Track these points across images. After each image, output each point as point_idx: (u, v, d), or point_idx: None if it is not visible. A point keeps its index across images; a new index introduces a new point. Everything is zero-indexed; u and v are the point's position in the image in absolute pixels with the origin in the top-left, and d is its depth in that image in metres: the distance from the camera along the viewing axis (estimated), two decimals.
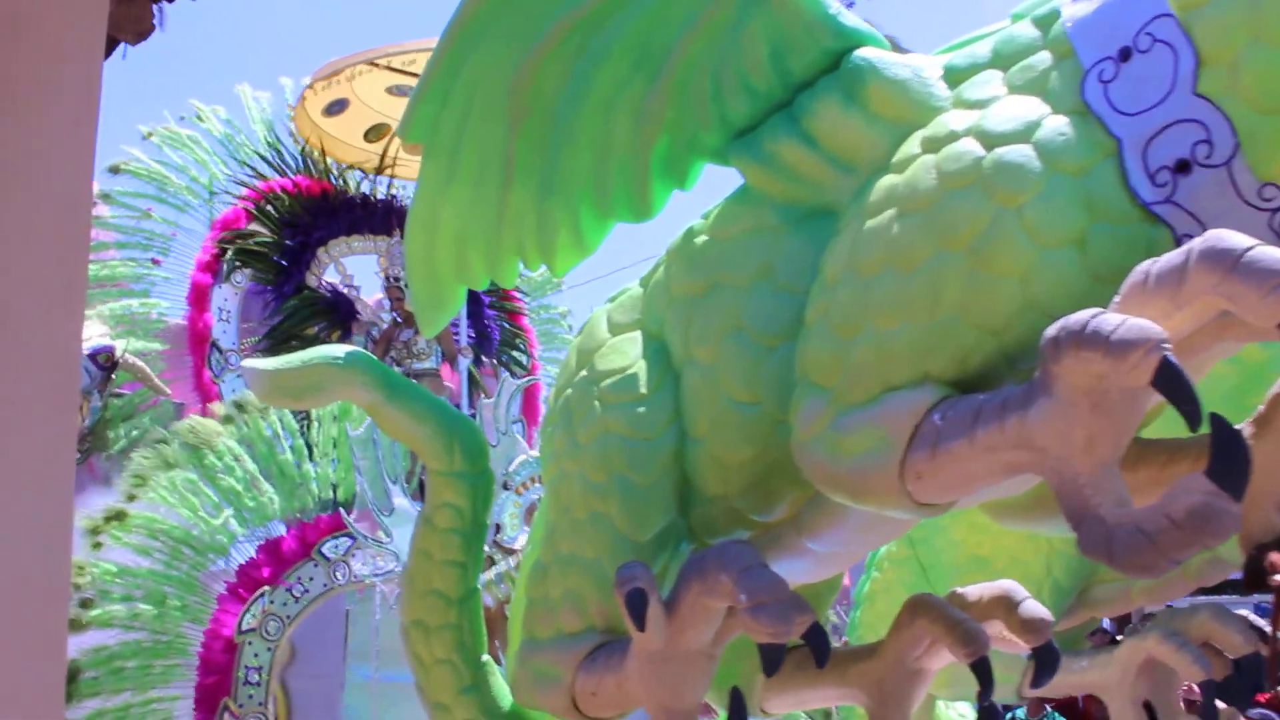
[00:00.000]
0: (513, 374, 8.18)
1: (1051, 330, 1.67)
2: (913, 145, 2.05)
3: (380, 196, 9.50)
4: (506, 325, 9.62)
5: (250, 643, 5.13)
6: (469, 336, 8.57)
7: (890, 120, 2.14)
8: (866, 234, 2.03)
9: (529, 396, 8.26)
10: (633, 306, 2.59)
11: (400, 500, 3.97)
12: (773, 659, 1.98)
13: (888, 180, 2.05)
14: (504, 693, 2.80)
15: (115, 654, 4.98)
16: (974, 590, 2.39)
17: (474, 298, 8.73)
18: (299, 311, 8.52)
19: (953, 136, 1.99)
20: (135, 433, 7.76)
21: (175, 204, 8.57)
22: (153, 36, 2.97)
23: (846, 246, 2.07)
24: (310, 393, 2.70)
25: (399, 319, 8.57)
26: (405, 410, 2.72)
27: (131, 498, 5.16)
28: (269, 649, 5.15)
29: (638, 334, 2.53)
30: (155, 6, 2.93)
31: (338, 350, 2.69)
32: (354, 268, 9.26)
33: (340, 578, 5.32)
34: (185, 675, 5.08)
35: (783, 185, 2.29)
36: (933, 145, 2.01)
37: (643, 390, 2.41)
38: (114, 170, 8.46)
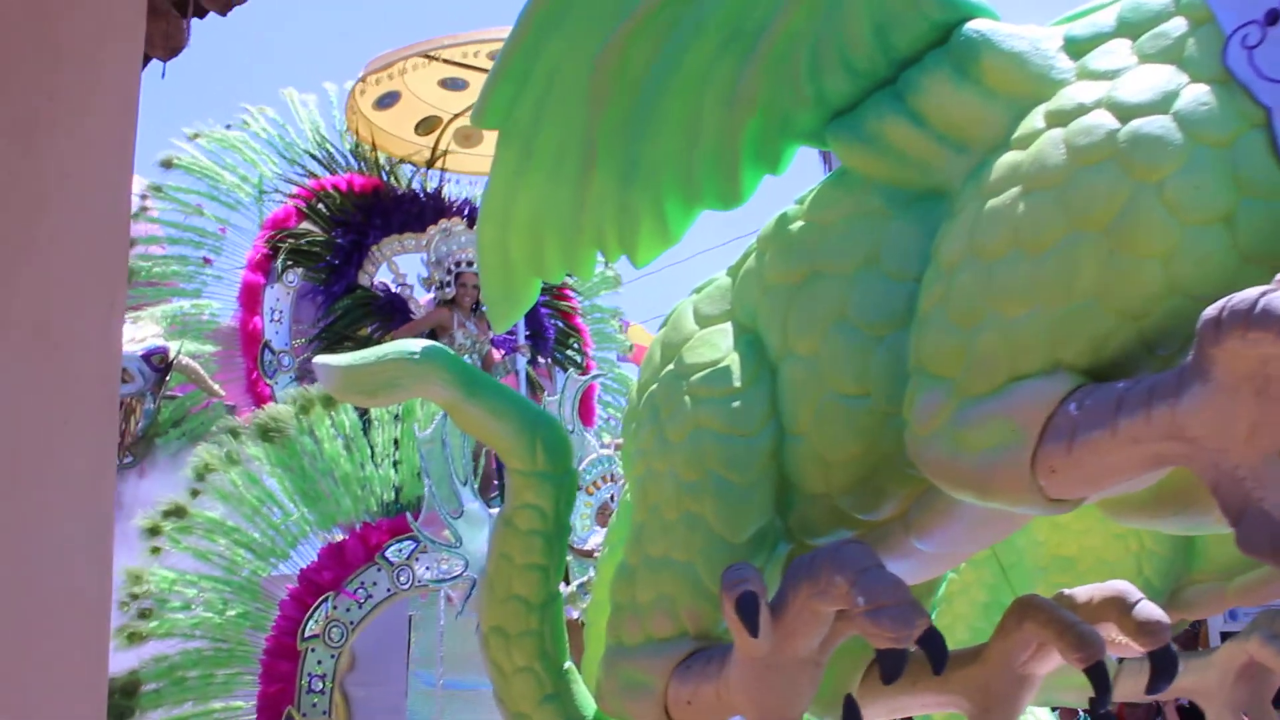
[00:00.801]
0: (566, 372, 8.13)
1: (1212, 311, 1.58)
2: (1036, 120, 1.96)
3: (431, 190, 9.46)
4: (561, 324, 9.57)
5: (313, 649, 5.08)
6: (524, 335, 8.53)
7: (1007, 95, 2.05)
8: (988, 215, 1.94)
9: (583, 397, 8.20)
10: (721, 297, 2.53)
11: (471, 503, 3.91)
12: (894, 665, 1.91)
13: (1010, 157, 1.96)
14: (587, 701, 2.73)
15: (176, 664, 4.96)
16: (1083, 591, 2.32)
17: None
18: (352, 311, 8.51)
19: (1081, 109, 1.89)
20: (186, 440, 7.77)
21: (227, 202, 8.57)
22: (189, 49, 2.97)
23: (965, 229, 1.99)
24: (385, 389, 2.65)
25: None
26: (485, 407, 2.66)
27: (195, 493, 5.13)
28: (332, 656, 5.11)
29: (728, 326, 2.46)
30: (186, 22, 2.92)
31: (414, 345, 2.63)
32: (405, 266, 9.24)
33: (404, 582, 5.27)
34: (248, 684, 5.05)
35: (887, 167, 2.22)
36: (1059, 119, 1.92)
37: (737, 384, 2.34)
38: (166, 164, 8.49)
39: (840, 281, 2.21)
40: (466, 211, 9.36)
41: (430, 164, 9.38)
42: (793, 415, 2.27)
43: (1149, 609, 2.22)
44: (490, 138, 9.51)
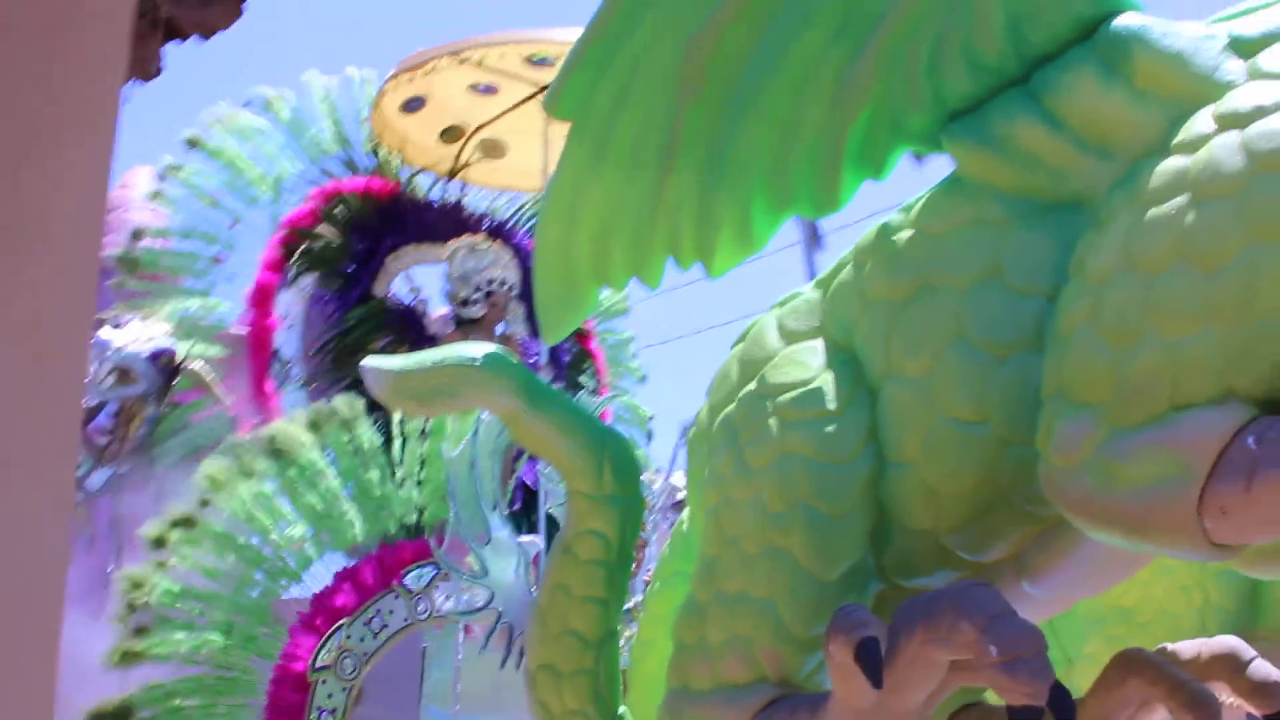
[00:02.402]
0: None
1: None
2: (1203, 123, 1.84)
3: (451, 202, 9.39)
4: (576, 349, 9.48)
5: (324, 681, 4.92)
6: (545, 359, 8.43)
7: (1164, 97, 1.93)
8: (1149, 225, 1.81)
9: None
10: (810, 312, 2.41)
11: (499, 530, 3.77)
12: None
13: (1174, 163, 1.83)
14: None
15: (173, 690, 4.80)
16: (1189, 646, 2.20)
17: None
18: (365, 323, 8.42)
19: (1261, 112, 1.77)
20: (187, 450, 7.66)
21: (244, 197, 8.47)
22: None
23: (1118, 240, 1.86)
24: (441, 397, 2.52)
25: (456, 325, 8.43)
26: (551, 421, 2.53)
27: (205, 503, 4.99)
28: (344, 689, 4.95)
29: (818, 343, 2.34)
30: (161, 50, 2.90)
31: (474, 350, 2.50)
32: (421, 279, 9.16)
33: (422, 612, 5.12)
34: (251, 716, 4.89)
35: (1013, 173, 2.10)
36: (1235, 122, 1.79)
37: (831, 406, 2.21)
38: (192, 143, 8.39)
39: (956, 296, 2.09)
40: (487, 226, 9.28)
41: (453, 174, 9.29)
42: (897, 442, 2.15)
43: (1265, 668, 2.11)
44: (516, 151, 9.53)
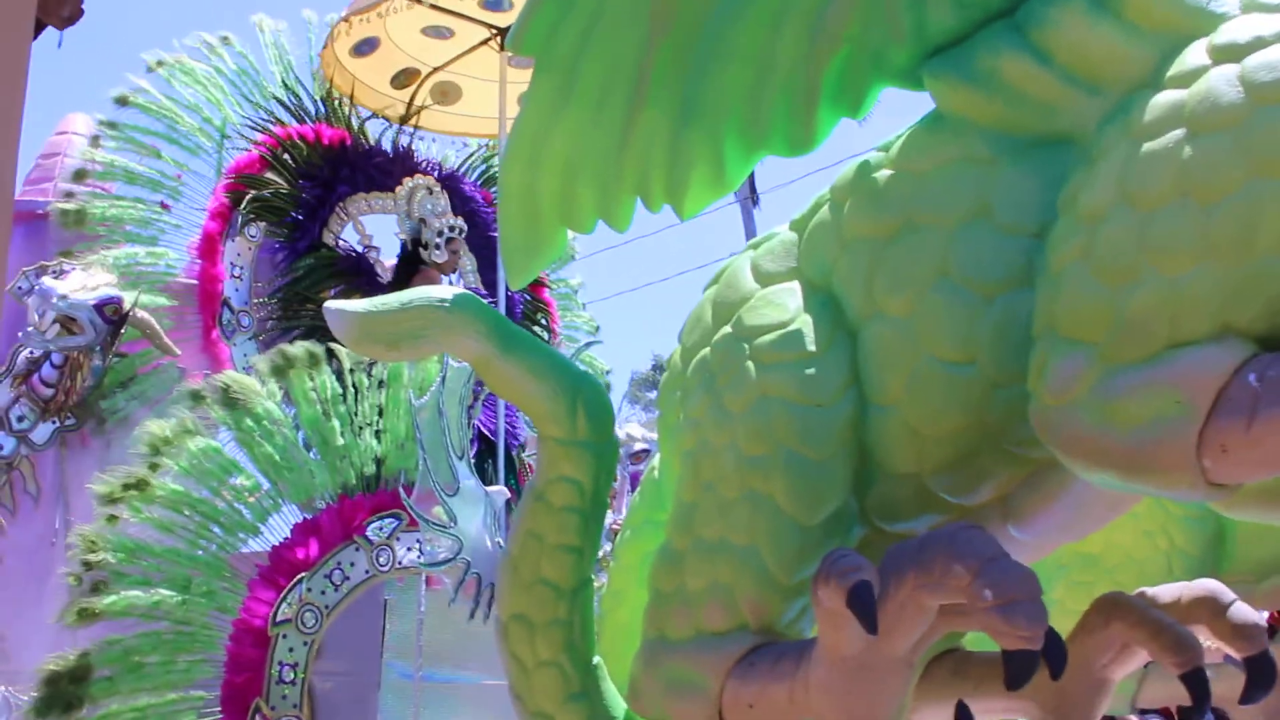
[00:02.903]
0: None
1: None
2: (1197, 56, 1.82)
3: (403, 148, 9.26)
4: (529, 297, 9.41)
5: (285, 635, 4.83)
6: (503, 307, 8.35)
7: (1155, 30, 1.92)
8: (1145, 159, 1.80)
9: None
10: (785, 253, 2.40)
11: (466, 479, 3.72)
12: (1024, 668, 1.78)
13: (1169, 97, 1.82)
14: (616, 701, 2.59)
15: (133, 648, 4.71)
16: (1169, 590, 2.24)
17: (492, 266, 8.55)
18: (315, 271, 8.28)
19: (1260, 43, 1.75)
20: (134, 403, 7.54)
21: (186, 145, 8.30)
22: None
23: (1112, 175, 1.84)
24: (409, 341, 2.46)
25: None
26: (522, 365, 2.48)
27: (155, 466, 4.90)
28: (305, 643, 4.87)
29: (795, 284, 2.34)
30: None
31: (444, 292, 2.45)
32: (372, 227, 9.04)
33: (384, 564, 5.06)
34: (211, 672, 4.81)
35: (998, 110, 2.09)
36: (1230, 54, 1.78)
37: (810, 348, 2.21)
38: (121, 101, 8.20)
39: (941, 235, 2.08)
40: (437, 174, 9.18)
41: (405, 120, 9.16)
42: (879, 383, 2.15)
43: (1245, 611, 2.14)
44: (471, 96, 9.38)
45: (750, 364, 2.25)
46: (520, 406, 2.63)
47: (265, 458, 4.98)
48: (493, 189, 9.56)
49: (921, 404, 2.08)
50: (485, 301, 2.54)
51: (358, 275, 8.61)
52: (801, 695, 2.03)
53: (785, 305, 2.28)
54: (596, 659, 2.61)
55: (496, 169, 9.66)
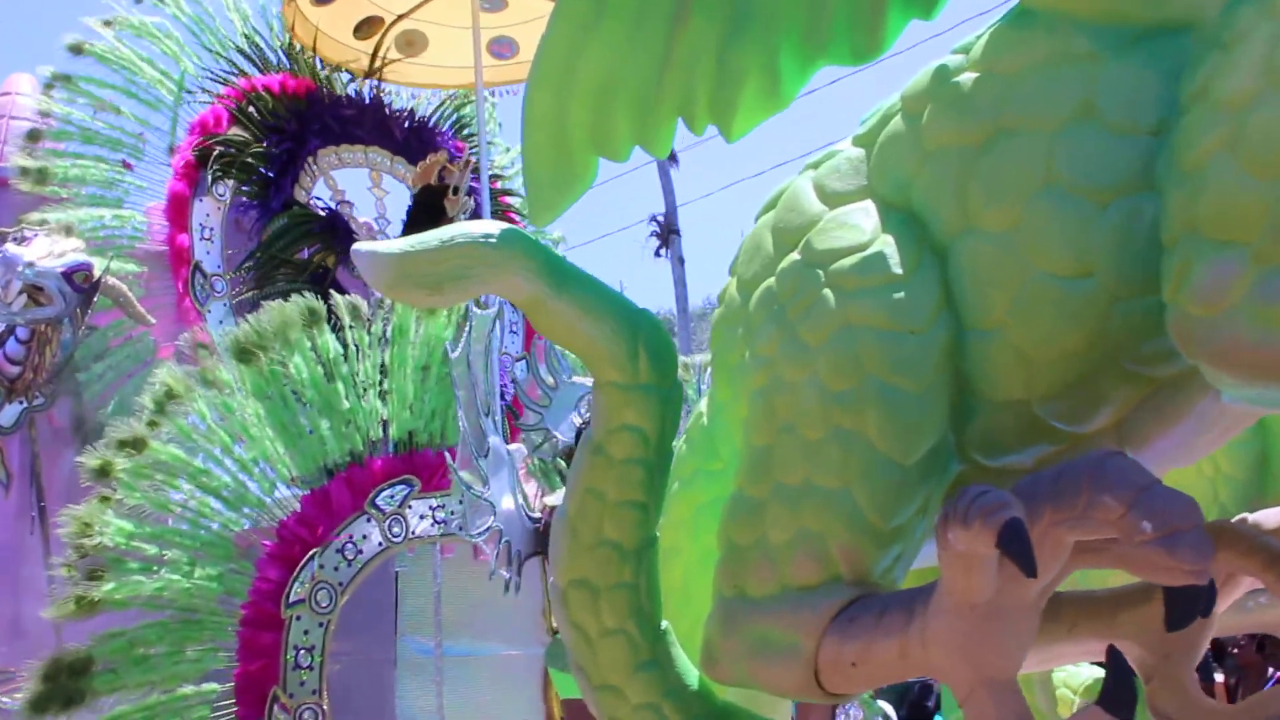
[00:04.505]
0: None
1: None
2: None
3: (372, 100, 9.13)
4: None
5: (299, 617, 4.68)
6: None
7: None
8: None
9: (531, 333, 7.97)
10: (853, 171, 2.27)
11: (493, 437, 3.61)
12: (1189, 606, 1.67)
13: None
14: (688, 668, 2.46)
15: (137, 639, 4.58)
16: (1272, 515, 2.14)
17: (474, 218, 8.44)
18: (289, 231, 8.16)
19: None
20: (111, 371, 7.38)
21: (146, 99, 8.11)
22: None
23: (1258, 58, 1.71)
24: (451, 282, 2.29)
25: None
26: (577, 305, 2.32)
27: (153, 424, 4.74)
28: (320, 624, 4.73)
29: (867, 203, 2.20)
30: None
31: (488, 227, 2.28)
32: (344, 181, 8.93)
33: (396, 535, 4.94)
34: (223, 661, 4.68)
35: (1097, 1, 1.96)
36: None
37: (896, 270, 2.07)
38: (75, 50, 7.99)
39: (1042, 139, 1.95)
40: (409, 124, 9.05)
41: (370, 73, 9.01)
42: (979, 304, 2.01)
43: None
44: (438, 45, 9.25)
45: (828, 292, 2.12)
46: (574, 350, 2.48)
47: (274, 422, 4.84)
48: (468, 140, 9.44)
49: (1031, 324, 1.96)
50: (533, 237, 2.39)
51: (334, 233, 8.50)
52: (916, 649, 1.91)
53: (860, 226, 2.15)
54: (665, 623, 2.49)
55: (470, 120, 9.53)
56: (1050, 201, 1.93)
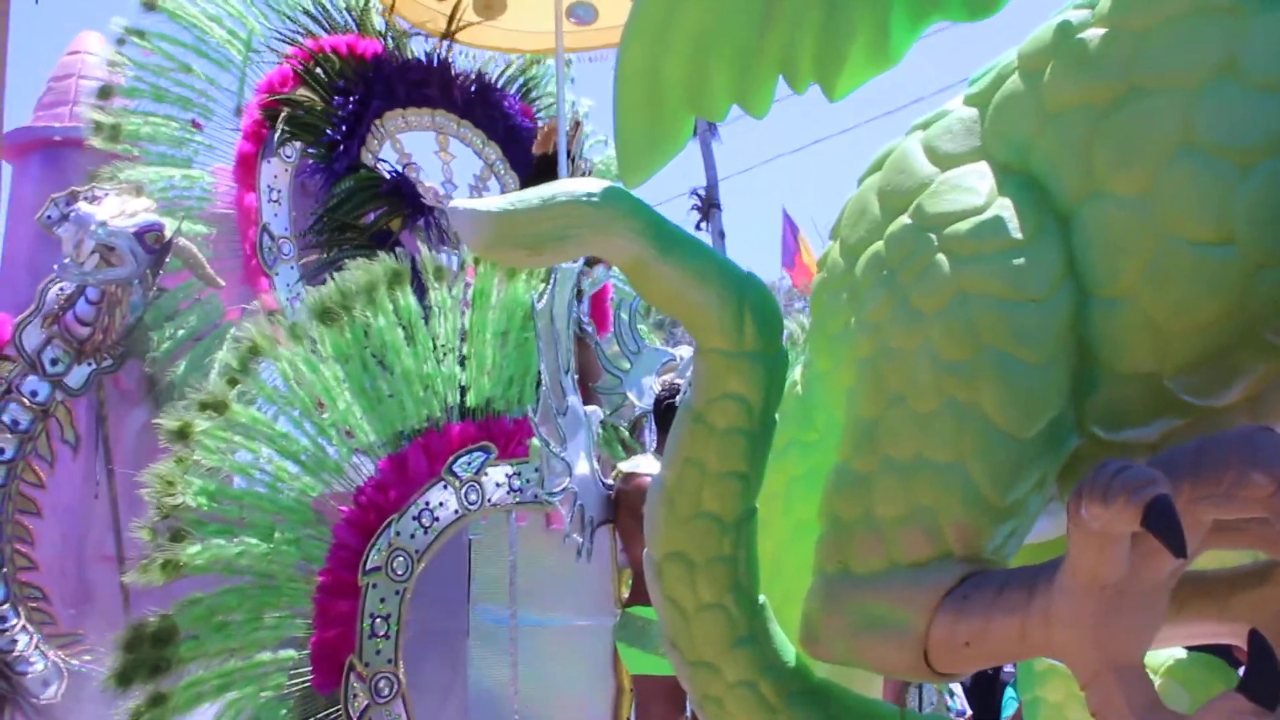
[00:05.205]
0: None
1: None
2: None
3: (438, 62, 9.10)
4: None
5: (375, 585, 4.68)
6: None
7: None
8: None
9: (596, 298, 7.93)
10: (966, 131, 2.21)
11: (571, 397, 3.58)
12: None
13: None
14: (785, 644, 2.42)
15: (216, 605, 4.59)
16: None
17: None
18: (356, 194, 8.15)
19: None
20: (181, 333, 7.40)
21: (215, 58, 8.12)
22: None
23: None
24: (552, 242, 2.24)
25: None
26: (683, 269, 2.27)
27: (233, 382, 4.74)
28: (397, 592, 4.73)
29: (982, 165, 2.14)
30: None
31: (591, 185, 2.24)
32: (410, 145, 8.90)
33: (472, 502, 4.93)
34: (300, 629, 4.70)
35: None
36: None
37: (1016, 235, 2.02)
38: (148, 6, 8.01)
39: (1178, 98, 1.89)
40: (475, 87, 9.00)
41: (446, 35, 8.96)
42: (1106, 272, 1.95)
43: None
44: (517, 8, 9.19)
45: (942, 257, 2.07)
46: (678, 315, 2.43)
47: (355, 385, 4.83)
48: (534, 104, 9.40)
49: (1164, 293, 1.90)
50: (637, 196, 2.34)
51: (400, 198, 8.49)
52: (1038, 630, 1.86)
53: (975, 189, 2.10)
54: (762, 598, 2.45)
55: (537, 82, 9.49)
56: (1188, 164, 1.87)
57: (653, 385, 5.08)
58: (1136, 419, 2.00)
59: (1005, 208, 2.05)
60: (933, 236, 2.10)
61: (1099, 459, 1.85)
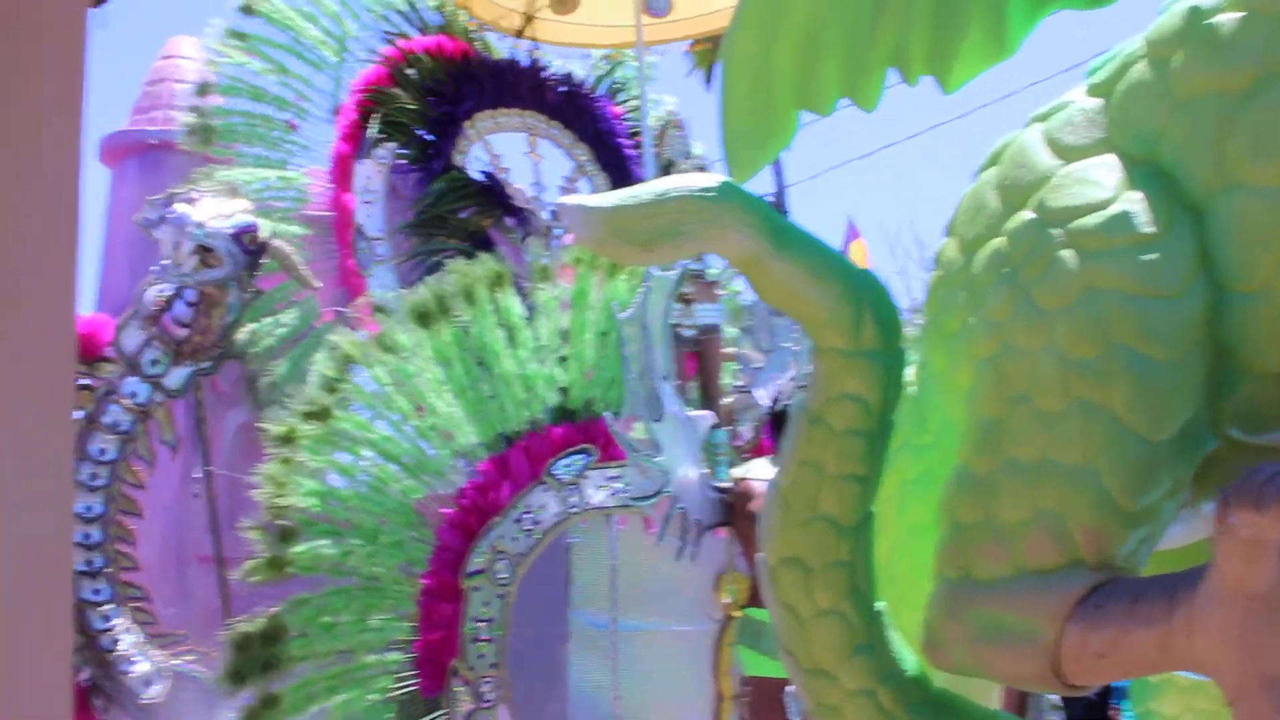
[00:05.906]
0: None
1: None
2: None
3: (528, 62, 9.14)
4: None
5: (478, 588, 4.71)
6: None
7: None
8: None
9: None
10: (1090, 123, 2.18)
11: (672, 405, 3.57)
12: None
13: None
14: (904, 652, 2.38)
15: (323, 606, 4.65)
16: None
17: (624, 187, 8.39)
18: (449, 195, 8.22)
19: None
20: (280, 332, 7.48)
21: (310, 59, 8.22)
22: None
23: None
24: (666, 238, 2.23)
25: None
26: (799, 266, 2.24)
27: (333, 389, 4.79)
28: (500, 596, 4.76)
29: (1109, 157, 2.10)
30: None
31: (705, 180, 2.22)
32: (500, 146, 8.96)
33: (573, 505, 4.94)
34: (405, 631, 4.74)
35: None
36: None
37: (1146, 229, 1.98)
38: (246, 10, 8.12)
39: None
40: (565, 89, 9.01)
41: (521, 32, 8.98)
42: (1244, 265, 1.92)
43: None
44: (590, 3, 9.20)
45: (1068, 253, 2.03)
46: (794, 314, 2.40)
47: (455, 388, 4.86)
48: (621, 104, 9.39)
49: None
50: (752, 193, 2.32)
51: (491, 200, 8.54)
52: (1181, 641, 1.82)
53: (1101, 182, 2.06)
54: (880, 604, 2.42)
55: (619, 81, 9.48)
56: None
57: (777, 385, 5.08)
58: (1274, 422, 1.96)
59: (1134, 201, 2.02)
60: (1057, 232, 2.08)
61: (1236, 463, 1.81)
